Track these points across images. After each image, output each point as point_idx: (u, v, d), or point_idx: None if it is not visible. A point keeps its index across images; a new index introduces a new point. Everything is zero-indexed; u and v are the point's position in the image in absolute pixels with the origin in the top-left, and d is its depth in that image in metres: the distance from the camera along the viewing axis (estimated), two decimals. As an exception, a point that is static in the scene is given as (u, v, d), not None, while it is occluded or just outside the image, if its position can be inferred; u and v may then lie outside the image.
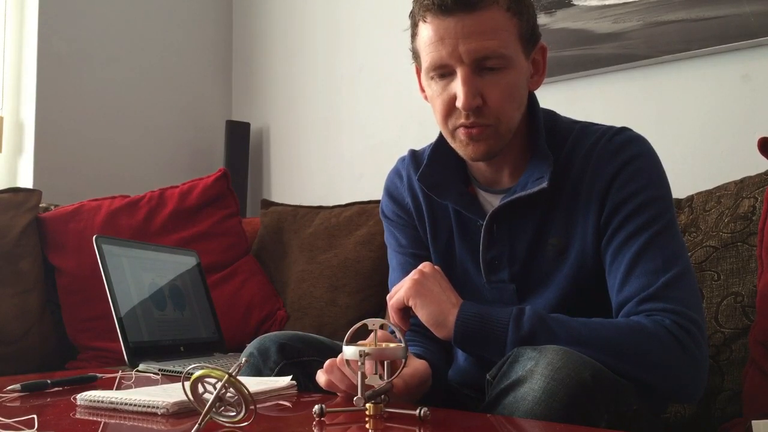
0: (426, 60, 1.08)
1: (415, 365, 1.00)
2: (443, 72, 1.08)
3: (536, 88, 1.16)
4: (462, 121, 1.08)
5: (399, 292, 1.05)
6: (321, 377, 1.00)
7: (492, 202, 1.18)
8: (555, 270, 1.12)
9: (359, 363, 0.85)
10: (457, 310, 1.01)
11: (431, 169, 1.20)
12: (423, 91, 1.15)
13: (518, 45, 1.08)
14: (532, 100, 1.17)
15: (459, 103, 1.05)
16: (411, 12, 1.11)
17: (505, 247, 1.15)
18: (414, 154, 1.28)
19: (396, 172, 1.30)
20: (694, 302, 1.03)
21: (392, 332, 1.06)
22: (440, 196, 1.20)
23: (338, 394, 1.00)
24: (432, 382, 1.03)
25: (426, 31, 1.07)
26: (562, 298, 1.11)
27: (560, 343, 0.93)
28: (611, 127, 1.14)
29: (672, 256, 1.04)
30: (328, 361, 0.99)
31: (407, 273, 1.09)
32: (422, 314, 1.03)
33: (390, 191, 1.30)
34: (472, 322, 1.00)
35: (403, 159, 1.30)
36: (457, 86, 1.05)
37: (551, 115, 1.19)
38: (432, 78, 1.09)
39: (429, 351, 1.13)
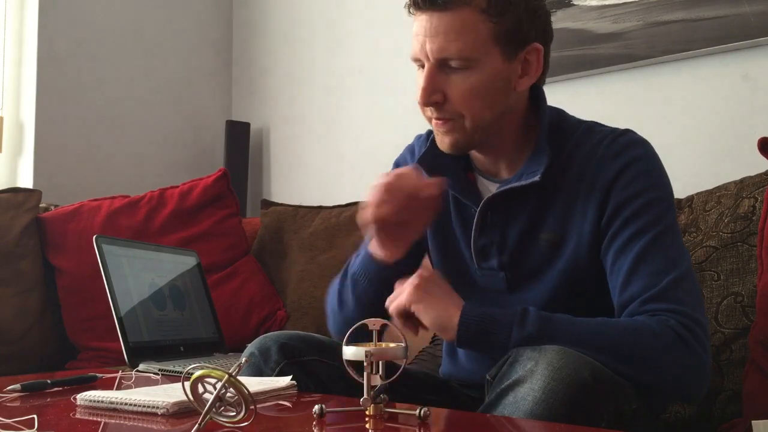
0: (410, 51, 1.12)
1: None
2: (419, 64, 1.11)
3: (524, 88, 1.14)
4: (428, 113, 1.12)
5: (399, 297, 1.04)
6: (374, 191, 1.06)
7: (490, 189, 1.19)
8: (548, 265, 1.13)
9: (365, 364, 0.84)
10: (460, 313, 1.01)
11: (433, 152, 1.20)
12: None
13: (492, 46, 1.07)
14: (538, 98, 1.17)
15: (417, 97, 1.09)
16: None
17: (496, 235, 1.15)
18: (429, 134, 1.28)
19: (410, 149, 1.33)
20: (698, 303, 1.04)
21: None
22: None
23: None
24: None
25: (413, 23, 1.11)
26: (555, 292, 1.12)
27: (565, 344, 0.93)
28: (615, 129, 1.15)
29: (674, 258, 1.04)
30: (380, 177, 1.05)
31: None
32: (426, 319, 1.03)
33: (399, 164, 1.32)
34: (475, 325, 1.00)
35: (419, 136, 1.32)
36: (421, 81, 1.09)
37: (559, 113, 1.20)
38: (417, 69, 1.13)
39: None
